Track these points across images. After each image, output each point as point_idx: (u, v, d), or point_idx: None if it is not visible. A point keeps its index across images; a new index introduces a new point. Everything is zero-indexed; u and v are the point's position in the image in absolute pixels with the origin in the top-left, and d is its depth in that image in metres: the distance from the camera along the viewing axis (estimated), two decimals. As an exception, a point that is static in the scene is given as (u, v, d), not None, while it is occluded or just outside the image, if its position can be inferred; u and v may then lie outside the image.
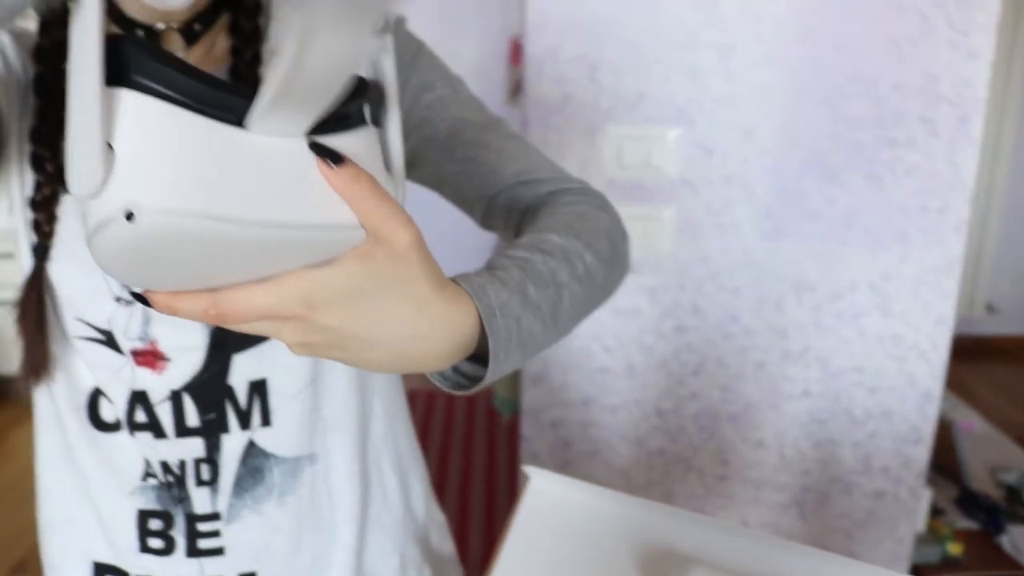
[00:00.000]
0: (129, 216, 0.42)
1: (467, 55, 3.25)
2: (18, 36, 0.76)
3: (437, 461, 2.92)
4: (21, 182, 0.74)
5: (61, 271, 0.73)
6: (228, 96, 0.45)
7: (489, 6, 3.20)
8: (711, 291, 1.49)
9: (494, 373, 0.53)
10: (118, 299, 0.73)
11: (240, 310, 0.44)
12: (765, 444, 1.56)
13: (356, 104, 0.48)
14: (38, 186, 0.73)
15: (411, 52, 0.81)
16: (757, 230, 1.45)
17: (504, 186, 0.79)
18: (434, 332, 0.48)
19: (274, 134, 0.45)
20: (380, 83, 0.56)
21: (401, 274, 0.46)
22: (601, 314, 1.49)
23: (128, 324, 0.73)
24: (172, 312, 0.45)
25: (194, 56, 0.78)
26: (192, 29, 0.75)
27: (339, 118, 0.46)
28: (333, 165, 0.44)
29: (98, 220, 0.44)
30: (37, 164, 0.72)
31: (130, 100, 0.44)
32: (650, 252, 1.47)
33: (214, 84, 0.45)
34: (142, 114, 0.44)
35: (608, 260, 0.69)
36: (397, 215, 0.45)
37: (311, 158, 0.45)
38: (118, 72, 0.45)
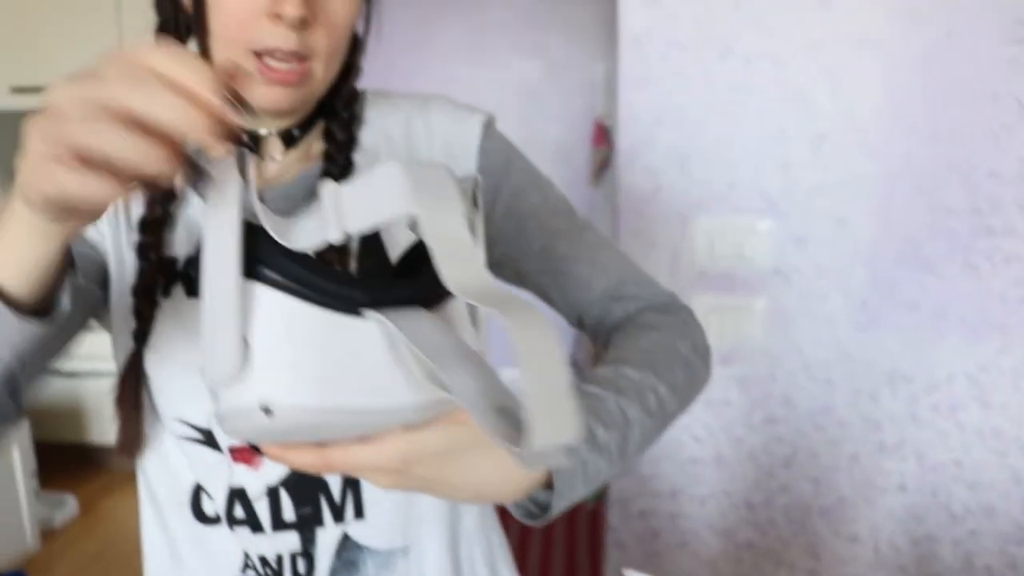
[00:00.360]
0: (267, 411, 0.46)
1: (551, 136, 3.29)
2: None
3: (517, 547, 2.86)
4: (121, 271, 0.77)
5: (160, 370, 0.74)
6: (348, 288, 0.47)
7: (572, 89, 3.25)
8: (803, 382, 1.45)
9: (559, 507, 0.60)
10: None
11: (345, 466, 0.50)
12: (859, 539, 1.51)
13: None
14: (141, 275, 0.75)
15: (503, 158, 0.84)
16: (851, 320, 1.42)
17: (595, 301, 0.83)
18: (511, 478, 0.56)
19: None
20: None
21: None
22: (692, 405, 1.46)
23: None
24: (283, 463, 0.51)
25: (290, 158, 0.81)
26: (291, 134, 0.80)
27: (437, 297, 0.50)
28: None
29: (232, 408, 0.47)
30: (142, 253, 0.75)
31: (265, 296, 0.47)
32: (741, 343, 1.44)
33: (335, 277, 0.48)
34: (276, 310, 0.47)
35: (682, 388, 0.74)
36: None
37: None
38: (249, 263, 0.47)
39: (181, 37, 0.77)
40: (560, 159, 3.24)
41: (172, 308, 0.74)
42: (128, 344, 0.75)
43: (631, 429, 0.66)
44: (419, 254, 0.57)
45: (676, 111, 1.36)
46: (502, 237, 0.83)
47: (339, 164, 0.78)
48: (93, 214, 0.48)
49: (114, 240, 0.78)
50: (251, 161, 0.49)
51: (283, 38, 0.68)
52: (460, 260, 0.48)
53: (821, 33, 1.33)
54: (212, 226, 0.47)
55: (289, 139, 0.80)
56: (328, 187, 0.48)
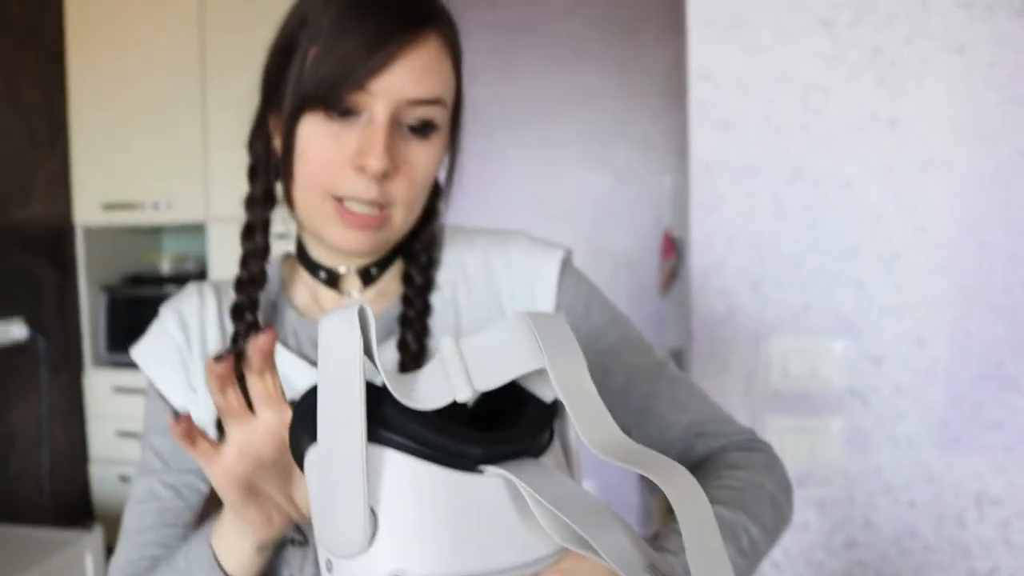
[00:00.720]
0: None
1: (618, 248, 3.32)
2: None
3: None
4: (206, 398, 0.81)
5: None
6: (467, 445, 0.46)
7: (639, 201, 3.30)
8: (884, 505, 1.41)
9: None
10: (291, 540, 0.74)
11: None
12: (951, 671, 1.44)
13: (548, 431, 0.53)
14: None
15: (582, 297, 0.85)
16: (932, 441, 1.38)
17: (677, 439, 0.84)
18: None
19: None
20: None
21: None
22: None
23: (303, 563, 0.74)
24: None
25: (367, 296, 0.83)
26: (369, 272, 0.82)
27: (540, 447, 0.51)
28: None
29: None
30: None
31: (390, 460, 0.46)
32: (817, 464, 1.41)
33: (452, 434, 0.46)
34: (403, 475, 0.45)
35: (771, 527, 0.74)
36: None
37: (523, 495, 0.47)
38: (370, 424, 0.45)
39: (270, 179, 0.82)
40: (628, 270, 3.26)
41: None
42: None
43: None
44: (496, 399, 0.56)
45: (748, 233, 1.37)
46: None
47: (417, 307, 0.80)
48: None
49: (206, 397, 0.82)
50: (371, 319, 0.48)
51: (364, 188, 0.71)
52: (593, 417, 0.48)
53: (891, 154, 1.34)
54: (330, 388, 0.46)
55: (367, 277, 0.83)
56: (447, 344, 0.48)
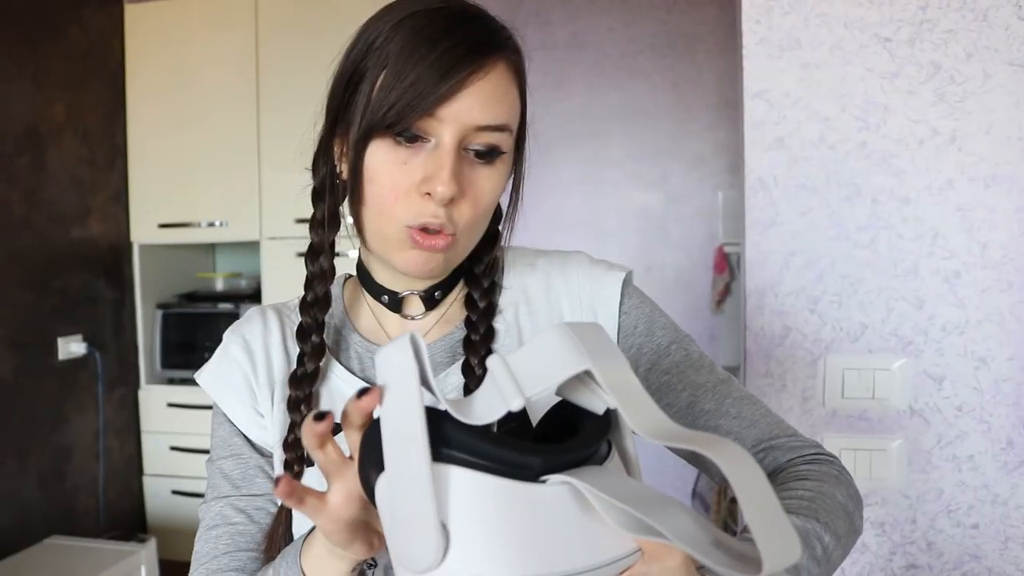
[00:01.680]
0: None
1: (671, 264, 3.32)
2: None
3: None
4: (273, 421, 0.83)
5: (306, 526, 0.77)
6: (528, 456, 0.48)
7: (692, 217, 3.30)
8: (946, 527, 1.39)
9: None
10: (364, 564, 0.75)
11: None
12: None
13: (604, 441, 0.54)
14: (291, 427, 0.80)
15: (645, 317, 0.86)
16: (997, 462, 1.35)
17: None
18: None
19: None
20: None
21: None
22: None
23: None
24: None
25: (430, 319, 0.85)
26: (432, 296, 0.83)
27: (600, 458, 0.53)
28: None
29: None
30: (293, 407, 0.80)
31: (456, 476, 0.48)
32: (876, 485, 1.39)
33: (514, 447, 0.49)
34: (469, 489, 0.47)
35: (844, 536, 0.73)
36: None
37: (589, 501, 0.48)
38: (432, 445, 0.48)
39: (334, 202, 0.83)
40: (680, 287, 3.25)
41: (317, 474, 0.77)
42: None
43: None
44: (555, 423, 0.59)
45: (804, 252, 1.36)
46: (649, 394, 0.85)
47: (480, 331, 0.81)
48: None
49: (272, 420, 0.84)
50: (423, 346, 0.51)
51: (432, 214, 0.72)
52: (641, 406, 0.50)
53: (951, 171, 1.32)
54: (392, 415, 0.49)
55: (430, 301, 0.84)
56: (495, 360, 0.50)
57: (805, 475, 0.78)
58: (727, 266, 3.03)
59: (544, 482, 0.48)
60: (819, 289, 1.36)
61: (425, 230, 0.73)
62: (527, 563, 0.46)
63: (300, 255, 2.88)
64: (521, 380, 0.50)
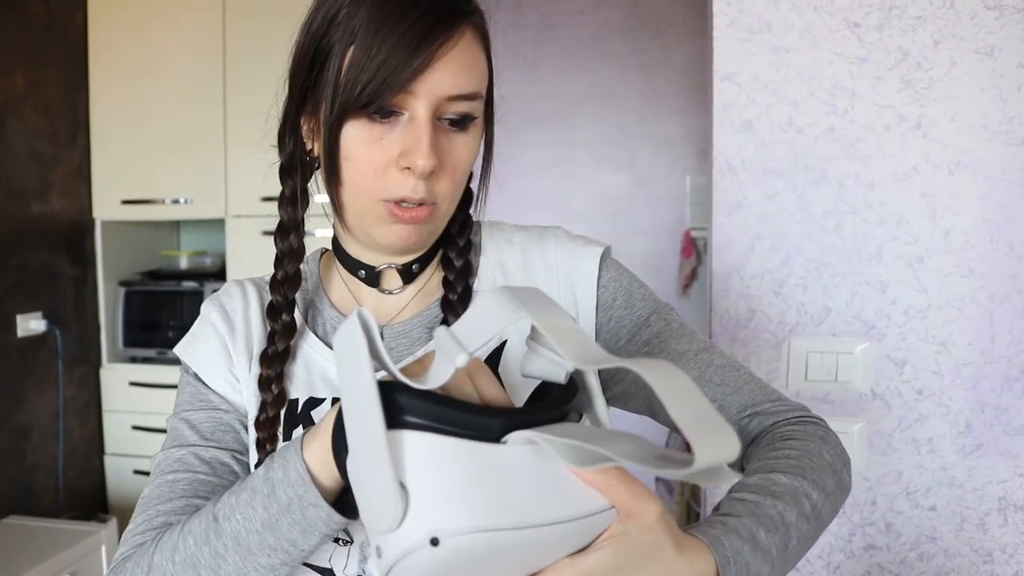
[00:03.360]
0: (434, 542, 0.47)
1: (638, 247, 3.34)
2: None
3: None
4: (247, 387, 0.82)
5: None
6: (485, 418, 0.50)
7: (660, 201, 3.31)
8: (904, 508, 1.41)
9: None
10: (337, 539, 0.75)
11: None
12: (970, 677, 1.43)
13: (571, 408, 0.55)
14: (262, 407, 0.79)
15: (624, 293, 0.86)
16: (955, 446, 1.38)
17: (730, 421, 0.81)
18: None
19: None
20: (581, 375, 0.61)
21: (651, 543, 0.54)
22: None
23: (347, 562, 0.75)
24: None
25: (408, 292, 0.84)
26: (410, 269, 0.83)
27: (564, 417, 0.54)
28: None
29: (400, 550, 0.49)
30: (264, 386, 0.79)
31: (413, 439, 0.50)
32: (838, 466, 1.41)
33: (471, 409, 0.51)
34: (428, 452, 0.49)
35: (832, 492, 0.74)
36: (643, 493, 0.53)
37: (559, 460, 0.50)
38: (390, 413, 0.50)
39: (304, 179, 0.82)
40: (649, 270, 3.27)
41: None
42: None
43: (790, 532, 0.66)
44: (540, 395, 0.60)
45: (770, 235, 1.37)
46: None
47: (457, 291, 0.81)
48: None
49: (246, 386, 0.83)
50: (372, 322, 0.52)
51: (412, 188, 0.72)
52: (575, 341, 0.52)
53: (916, 158, 1.33)
54: (347, 390, 0.51)
55: (408, 274, 0.83)
56: (440, 330, 0.53)
57: (791, 435, 0.78)
58: (694, 250, 3.05)
59: (506, 443, 0.50)
60: (784, 272, 1.37)
61: (403, 203, 0.73)
62: (492, 516, 0.47)
63: (266, 233, 2.86)
64: (463, 339, 0.52)
